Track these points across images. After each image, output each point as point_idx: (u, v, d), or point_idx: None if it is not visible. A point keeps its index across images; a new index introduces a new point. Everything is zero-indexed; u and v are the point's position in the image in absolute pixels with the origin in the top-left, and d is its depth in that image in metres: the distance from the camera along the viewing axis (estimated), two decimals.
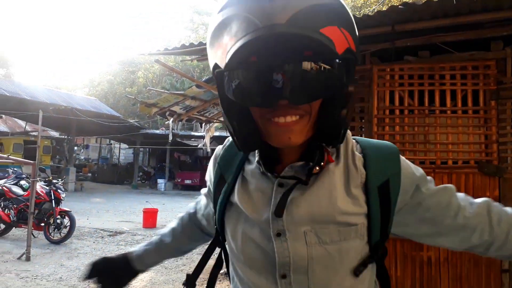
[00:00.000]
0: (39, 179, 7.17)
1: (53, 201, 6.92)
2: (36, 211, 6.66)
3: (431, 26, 3.22)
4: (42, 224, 6.90)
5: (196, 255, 5.67)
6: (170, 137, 7.36)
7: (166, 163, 21.31)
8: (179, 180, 20.60)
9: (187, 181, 20.31)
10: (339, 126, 0.72)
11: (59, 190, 7.14)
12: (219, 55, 0.68)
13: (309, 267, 0.76)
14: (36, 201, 6.37)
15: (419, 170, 0.84)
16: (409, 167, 0.83)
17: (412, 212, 0.82)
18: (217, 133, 14.89)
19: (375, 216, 0.78)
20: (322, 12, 0.63)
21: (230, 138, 0.92)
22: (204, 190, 1.06)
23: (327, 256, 0.76)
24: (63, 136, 21.71)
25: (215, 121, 7.86)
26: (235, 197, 0.84)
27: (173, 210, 12.37)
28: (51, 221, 6.88)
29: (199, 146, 17.11)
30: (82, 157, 28.44)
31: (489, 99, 3.30)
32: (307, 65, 0.64)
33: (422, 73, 3.43)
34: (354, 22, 0.70)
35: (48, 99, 16.04)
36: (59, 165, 19.89)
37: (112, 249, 6.71)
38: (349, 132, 0.83)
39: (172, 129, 7.24)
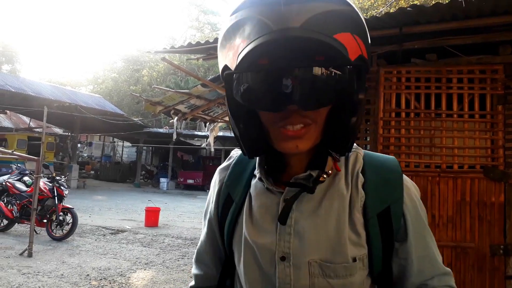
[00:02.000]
0: (43, 176, 7.18)
1: (56, 197, 6.94)
2: (39, 208, 6.68)
3: (439, 29, 3.20)
4: (45, 221, 6.92)
5: None
6: (175, 136, 7.36)
7: (169, 162, 21.35)
8: (181, 180, 20.62)
9: (190, 181, 20.34)
10: (347, 135, 0.71)
11: (62, 187, 7.15)
12: (230, 57, 0.67)
13: None
14: (39, 197, 6.39)
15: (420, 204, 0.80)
16: (412, 192, 0.79)
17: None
18: (221, 133, 14.88)
19: (376, 244, 0.74)
20: (337, 18, 0.63)
21: (234, 154, 0.91)
22: (204, 228, 0.93)
23: None
24: (67, 133, 21.76)
25: (219, 120, 7.86)
26: (242, 218, 0.81)
27: (175, 209, 12.38)
28: (54, 217, 6.90)
29: (202, 146, 17.11)
30: (85, 155, 28.50)
31: (496, 103, 3.27)
32: (318, 70, 0.63)
33: (429, 76, 3.41)
34: (367, 30, 0.69)
35: (53, 96, 16.08)
36: (62, 162, 19.93)
37: (114, 247, 6.71)
38: (361, 152, 0.81)
39: (176, 128, 7.24)
